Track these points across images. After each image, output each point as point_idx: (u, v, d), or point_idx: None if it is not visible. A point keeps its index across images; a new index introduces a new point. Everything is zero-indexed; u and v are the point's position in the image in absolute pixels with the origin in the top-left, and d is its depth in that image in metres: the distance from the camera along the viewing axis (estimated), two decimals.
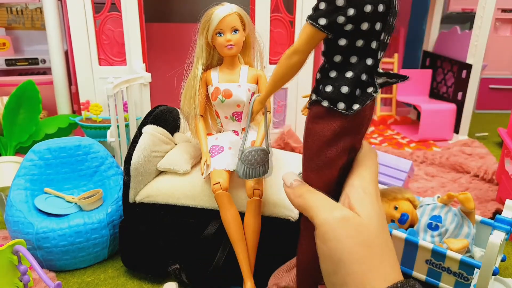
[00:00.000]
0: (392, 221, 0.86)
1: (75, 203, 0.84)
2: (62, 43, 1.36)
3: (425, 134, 1.62)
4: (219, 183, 0.68)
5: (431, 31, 1.81)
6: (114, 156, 0.95)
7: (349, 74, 0.40)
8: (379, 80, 0.42)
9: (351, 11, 0.37)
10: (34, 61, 1.67)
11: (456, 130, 1.63)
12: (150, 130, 0.77)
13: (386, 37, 0.40)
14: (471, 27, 1.53)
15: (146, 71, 1.24)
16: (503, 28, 2.11)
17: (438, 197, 0.86)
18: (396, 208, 0.86)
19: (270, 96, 0.57)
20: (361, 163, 0.44)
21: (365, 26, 0.38)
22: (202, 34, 0.71)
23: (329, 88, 0.41)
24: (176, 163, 0.76)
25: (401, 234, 0.77)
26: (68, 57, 1.47)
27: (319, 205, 0.40)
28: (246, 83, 0.74)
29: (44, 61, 1.67)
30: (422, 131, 1.62)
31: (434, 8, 1.76)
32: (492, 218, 1.00)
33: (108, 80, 1.01)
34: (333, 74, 0.41)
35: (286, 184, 0.45)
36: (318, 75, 0.43)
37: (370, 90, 0.41)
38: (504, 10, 2.06)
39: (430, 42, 1.83)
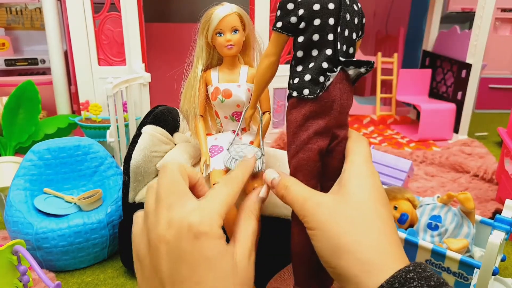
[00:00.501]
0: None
1: (75, 203, 0.84)
2: (62, 43, 1.36)
3: (424, 133, 1.62)
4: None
5: (430, 30, 1.81)
6: (113, 156, 0.95)
7: (311, 65, 0.45)
8: (351, 71, 0.47)
9: (301, 11, 0.43)
10: (34, 61, 1.67)
11: (456, 130, 1.63)
12: (150, 130, 0.77)
13: (346, 31, 0.45)
14: (470, 27, 1.53)
15: (146, 71, 1.24)
16: (503, 27, 2.11)
17: (438, 197, 0.86)
18: (395, 208, 0.86)
19: (257, 99, 0.62)
20: (350, 151, 0.45)
21: (317, 22, 0.43)
22: (202, 34, 0.71)
23: (296, 80, 0.46)
24: None
25: (401, 234, 0.77)
26: (68, 57, 1.47)
27: (302, 193, 0.41)
28: (246, 83, 0.74)
29: (43, 61, 1.67)
30: (422, 130, 1.62)
31: (433, 8, 1.76)
32: (492, 218, 1.00)
33: (107, 80, 1.01)
34: (299, 68, 0.46)
35: (267, 183, 0.46)
36: (289, 71, 0.48)
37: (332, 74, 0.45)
38: (504, 10, 2.06)
39: (429, 42, 1.83)
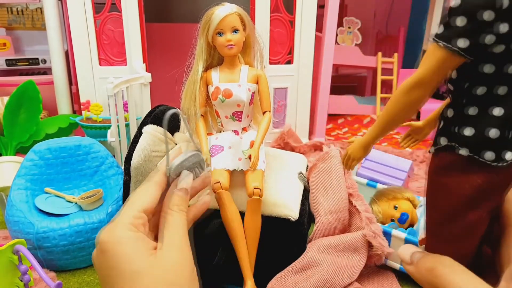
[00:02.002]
0: (392, 220, 0.86)
1: (76, 203, 0.84)
2: (63, 43, 1.36)
3: None
4: (219, 182, 0.68)
5: (430, 31, 1.81)
6: (114, 156, 0.96)
7: (497, 111, 0.30)
8: None
9: (503, 27, 0.28)
10: (35, 61, 1.67)
11: None
12: (150, 130, 0.78)
13: None
14: None
15: (147, 71, 1.24)
16: None
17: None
18: (396, 207, 0.86)
19: (375, 140, 0.46)
20: None
21: None
22: (203, 34, 0.72)
23: (468, 131, 0.31)
24: None
25: (401, 234, 0.77)
26: (69, 57, 1.47)
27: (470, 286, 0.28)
28: (247, 82, 0.74)
29: (44, 61, 1.68)
30: None
31: (434, 8, 1.77)
32: None
33: (108, 80, 1.01)
34: (473, 111, 0.31)
35: (405, 261, 0.34)
36: (449, 112, 0.33)
37: None
38: None
39: (430, 42, 1.83)
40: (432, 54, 0.32)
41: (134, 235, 0.34)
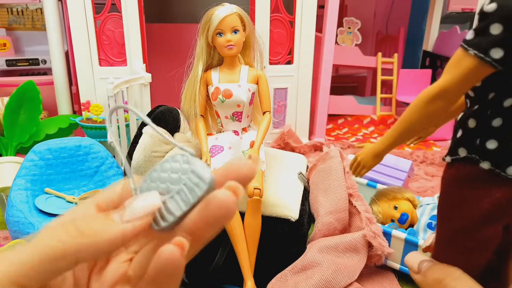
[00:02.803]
0: (392, 221, 0.86)
1: (76, 203, 0.84)
2: (63, 44, 1.36)
3: None
4: None
5: (431, 31, 1.81)
6: (114, 157, 0.96)
7: None
8: None
9: None
10: (35, 61, 1.67)
11: None
12: (150, 130, 0.78)
13: None
14: (471, 27, 1.53)
15: (147, 71, 1.24)
16: None
17: (438, 196, 0.86)
18: (396, 208, 0.87)
19: (389, 150, 0.42)
20: None
21: None
22: (203, 34, 0.72)
23: (492, 144, 0.29)
24: None
25: (401, 234, 0.77)
26: (69, 57, 1.47)
27: None
28: (247, 83, 0.74)
29: (44, 61, 1.68)
30: None
31: (433, 8, 1.77)
32: None
33: (108, 81, 1.01)
34: (497, 123, 0.29)
35: (412, 269, 0.32)
36: (472, 123, 0.31)
37: None
38: None
39: (430, 42, 1.83)
40: (459, 62, 0.29)
41: None
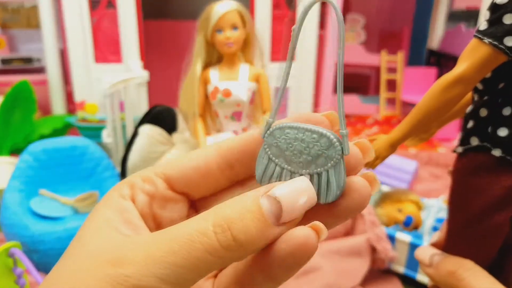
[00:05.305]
0: (396, 223, 0.84)
1: (71, 205, 0.82)
2: (58, 42, 1.34)
3: None
4: None
5: (435, 29, 1.79)
6: (110, 157, 0.94)
7: None
8: None
9: None
10: (30, 60, 1.66)
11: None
12: (147, 130, 0.76)
13: None
14: (476, 25, 1.51)
15: (144, 69, 1.22)
16: None
17: (444, 198, 0.84)
18: (400, 210, 0.84)
19: (405, 138, 0.41)
20: None
21: None
22: (202, 31, 0.70)
23: (504, 132, 0.30)
24: None
25: (406, 237, 0.75)
26: (64, 56, 1.46)
27: None
28: (247, 81, 0.72)
29: (39, 60, 1.66)
30: None
31: (438, 6, 1.74)
32: None
33: (104, 80, 0.99)
34: (508, 111, 0.30)
35: (423, 263, 0.32)
36: (483, 112, 0.32)
37: None
38: None
39: (434, 40, 1.81)
40: (475, 50, 0.30)
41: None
